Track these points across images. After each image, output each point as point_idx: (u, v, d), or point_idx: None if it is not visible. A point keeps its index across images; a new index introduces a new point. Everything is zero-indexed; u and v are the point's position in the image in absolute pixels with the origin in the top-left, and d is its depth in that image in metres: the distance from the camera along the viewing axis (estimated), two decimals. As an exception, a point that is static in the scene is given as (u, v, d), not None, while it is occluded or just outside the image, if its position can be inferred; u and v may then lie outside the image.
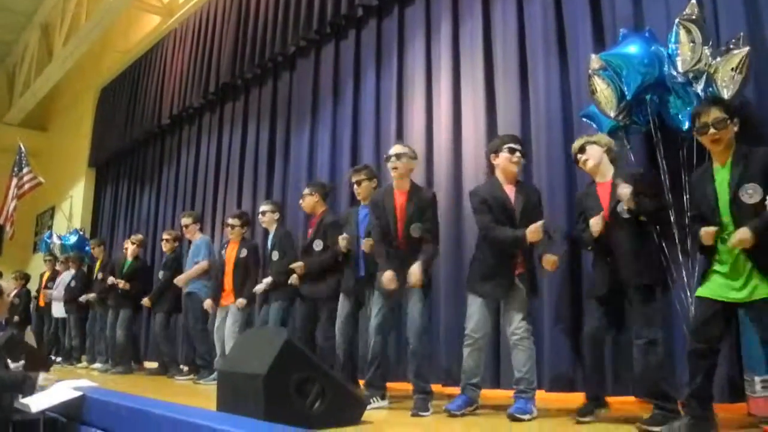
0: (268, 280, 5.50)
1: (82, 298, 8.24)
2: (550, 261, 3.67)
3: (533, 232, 3.52)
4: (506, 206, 3.71)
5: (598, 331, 3.37)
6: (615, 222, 3.34)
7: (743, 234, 2.69)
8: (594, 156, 3.53)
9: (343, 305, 4.65)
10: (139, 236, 8.03)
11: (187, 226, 6.71)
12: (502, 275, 3.66)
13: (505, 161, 3.80)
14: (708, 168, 2.98)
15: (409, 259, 3.88)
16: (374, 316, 4.03)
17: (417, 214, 3.95)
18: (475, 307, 3.71)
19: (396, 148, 4.12)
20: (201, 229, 7.02)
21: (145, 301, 7.04)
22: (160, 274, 7.08)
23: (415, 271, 3.80)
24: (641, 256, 3.28)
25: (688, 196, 3.54)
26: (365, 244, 4.31)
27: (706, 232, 2.84)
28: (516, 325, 3.60)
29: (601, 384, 3.49)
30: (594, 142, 3.56)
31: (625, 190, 3.25)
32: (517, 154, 3.79)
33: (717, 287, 2.87)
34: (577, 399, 3.53)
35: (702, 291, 2.92)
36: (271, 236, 5.70)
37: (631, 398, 3.95)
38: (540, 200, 3.91)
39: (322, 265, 4.90)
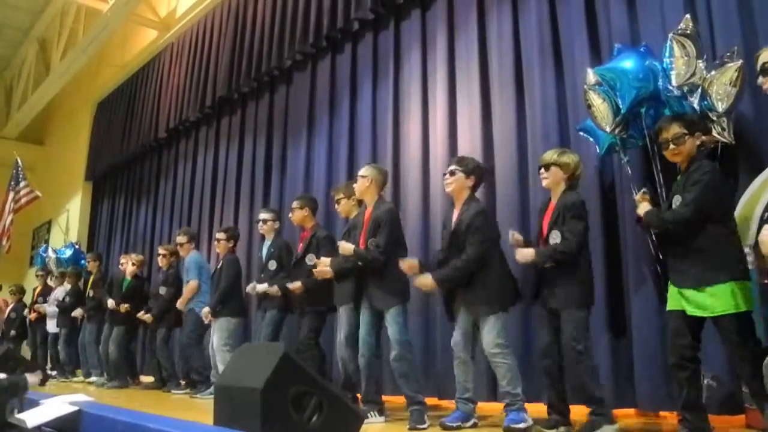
0: (263, 286, 5.46)
1: (74, 314, 8.22)
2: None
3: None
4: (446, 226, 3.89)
5: (551, 344, 3.45)
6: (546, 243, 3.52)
7: None
8: (552, 179, 3.61)
9: (345, 318, 4.62)
10: (140, 257, 7.97)
11: (182, 245, 6.66)
12: (462, 289, 3.73)
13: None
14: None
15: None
16: (362, 333, 4.11)
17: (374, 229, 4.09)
18: (457, 323, 3.79)
19: (363, 170, 4.32)
20: (197, 245, 6.98)
21: (147, 317, 6.99)
22: (162, 290, 7.01)
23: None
24: (558, 280, 3.42)
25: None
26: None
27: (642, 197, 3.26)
28: (486, 342, 3.62)
29: (562, 397, 3.48)
30: (560, 165, 3.58)
31: (525, 258, 3.51)
32: (446, 174, 3.87)
33: (675, 297, 3.01)
34: (573, 411, 3.52)
35: (668, 304, 3.07)
36: (268, 244, 5.65)
37: (632, 410, 3.96)
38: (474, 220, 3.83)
39: (318, 283, 4.89)
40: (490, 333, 3.59)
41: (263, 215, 5.78)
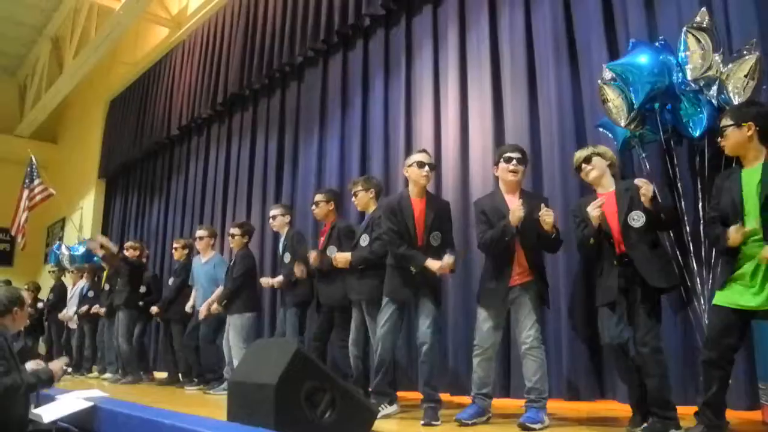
0: (279, 278, 5.54)
1: (93, 310, 8.28)
2: (546, 214, 3.59)
3: (514, 211, 3.56)
4: (506, 216, 3.67)
5: (619, 338, 3.30)
6: (627, 230, 3.32)
7: None
8: (598, 167, 3.53)
9: (356, 315, 4.65)
10: (137, 243, 7.94)
11: (201, 238, 6.67)
12: (501, 283, 3.65)
13: (503, 171, 3.81)
14: (736, 170, 2.99)
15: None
16: (382, 324, 4.01)
17: (435, 222, 3.98)
18: (482, 318, 3.72)
19: (427, 157, 4.11)
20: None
21: (154, 310, 7.04)
22: (170, 281, 7.08)
23: (449, 259, 3.84)
24: (655, 262, 3.26)
25: (701, 203, 3.55)
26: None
27: (738, 230, 2.78)
28: (525, 334, 3.58)
29: (640, 390, 3.33)
30: (599, 155, 3.56)
31: (649, 186, 3.24)
32: (514, 162, 3.77)
33: (732, 294, 2.85)
34: (593, 408, 3.50)
35: (718, 299, 2.90)
36: (282, 239, 5.72)
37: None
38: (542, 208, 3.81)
39: (330, 267, 4.82)
40: (534, 326, 3.58)
41: (273, 211, 5.82)
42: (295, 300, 5.42)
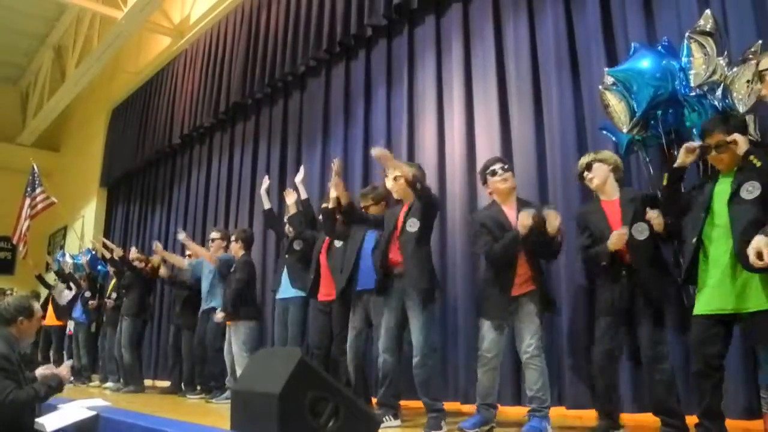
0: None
1: (92, 305, 8.31)
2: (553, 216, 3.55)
3: (522, 219, 3.52)
4: (506, 227, 3.67)
5: (611, 351, 3.34)
6: (631, 242, 3.32)
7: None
8: (599, 175, 3.53)
9: (354, 320, 4.64)
10: (137, 255, 7.93)
11: (214, 240, 6.64)
12: (504, 293, 3.62)
13: (494, 184, 3.82)
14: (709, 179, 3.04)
15: None
16: (382, 334, 4.01)
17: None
18: (485, 328, 3.70)
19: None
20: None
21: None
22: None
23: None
24: (657, 275, 3.28)
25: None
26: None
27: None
28: (526, 344, 3.57)
29: (616, 404, 3.44)
30: (601, 161, 3.55)
31: (660, 219, 3.24)
32: (499, 172, 3.78)
33: (709, 299, 2.86)
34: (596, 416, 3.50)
35: (696, 309, 2.92)
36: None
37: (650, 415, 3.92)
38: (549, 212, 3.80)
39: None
40: (535, 335, 3.56)
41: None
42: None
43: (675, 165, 3.08)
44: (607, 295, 3.40)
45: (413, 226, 3.89)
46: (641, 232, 3.29)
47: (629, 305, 3.32)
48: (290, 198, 5.80)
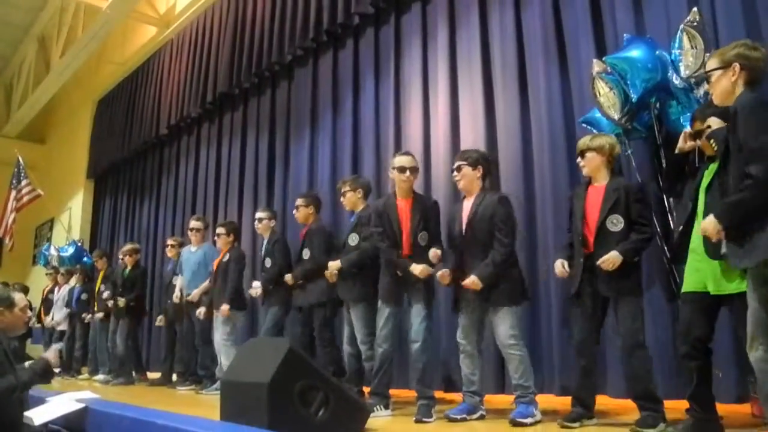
0: (256, 284, 5.58)
1: (87, 319, 8.23)
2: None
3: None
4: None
5: (584, 339, 3.38)
6: (602, 231, 3.35)
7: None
8: (590, 165, 3.52)
9: (347, 313, 4.65)
10: (128, 246, 7.89)
11: (198, 230, 6.59)
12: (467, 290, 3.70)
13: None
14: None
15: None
16: (381, 327, 4.04)
17: (422, 222, 4.01)
18: (460, 318, 3.80)
19: (409, 161, 4.12)
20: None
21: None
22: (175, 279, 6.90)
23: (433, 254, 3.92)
24: (627, 266, 3.29)
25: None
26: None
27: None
28: (503, 335, 3.62)
29: (592, 391, 3.45)
30: (595, 149, 3.54)
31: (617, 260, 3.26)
32: (454, 173, 3.90)
33: (694, 277, 2.85)
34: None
35: (684, 287, 2.92)
36: (265, 243, 5.72)
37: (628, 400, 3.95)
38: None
39: (306, 274, 4.97)
40: (505, 325, 3.59)
41: (258, 214, 5.84)
42: (273, 302, 5.46)
43: (675, 151, 3.15)
44: (572, 274, 3.46)
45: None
46: (615, 225, 3.34)
47: (596, 291, 3.34)
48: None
